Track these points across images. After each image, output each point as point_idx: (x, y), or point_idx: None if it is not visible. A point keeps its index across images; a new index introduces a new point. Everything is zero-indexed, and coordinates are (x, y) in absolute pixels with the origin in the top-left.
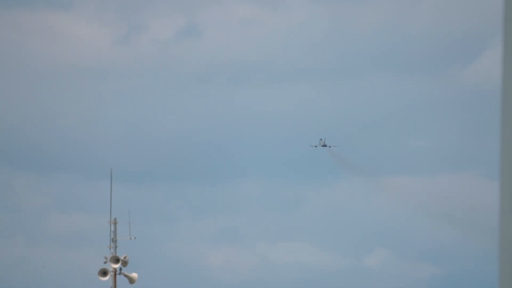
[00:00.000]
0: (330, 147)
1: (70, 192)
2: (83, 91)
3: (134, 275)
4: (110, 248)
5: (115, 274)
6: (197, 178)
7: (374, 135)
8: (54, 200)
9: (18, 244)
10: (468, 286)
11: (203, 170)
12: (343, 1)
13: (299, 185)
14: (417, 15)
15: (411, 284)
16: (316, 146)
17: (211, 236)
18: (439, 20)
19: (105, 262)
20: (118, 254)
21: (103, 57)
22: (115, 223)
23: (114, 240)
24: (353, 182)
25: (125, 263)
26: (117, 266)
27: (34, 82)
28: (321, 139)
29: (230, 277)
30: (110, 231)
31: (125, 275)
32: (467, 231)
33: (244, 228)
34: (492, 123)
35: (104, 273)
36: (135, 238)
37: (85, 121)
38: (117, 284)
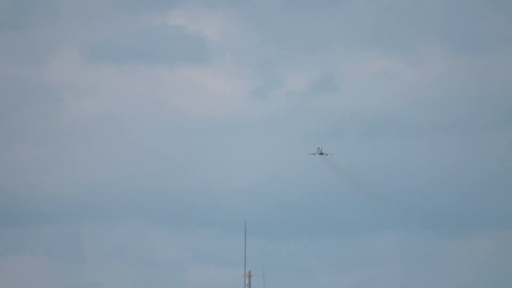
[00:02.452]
0: (326, 155)
1: (205, 245)
2: (219, 144)
3: None
4: None
5: None
6: (332, 231)
7: None
8: (190, 253)
9: None
10: None
11: (337, 223)
12: (479, 54)
13: (436, 240)
14: None
15: None
16: (314, 154)
17: None
18: None
19: None
20: None
21: (239, 110)
22: (249, 276)
23: None
24: (490, 236)
25: None
26: None
27: (172, 134)
28: (318, 147)
29: None
30: (245, 284)
31: None
32: None
33: (380, 282)
34: None
35: None
36: None
37: (220, 173)
38: None
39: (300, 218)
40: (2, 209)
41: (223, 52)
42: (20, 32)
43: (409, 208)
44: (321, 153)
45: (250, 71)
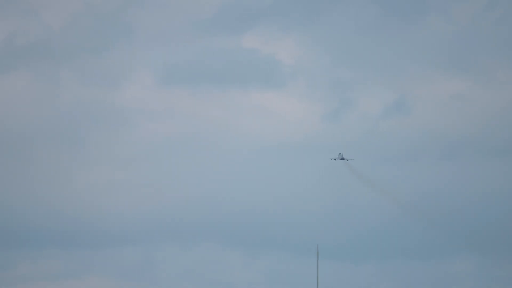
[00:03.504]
0: (347, 160)
1: (277, 268)
2: (292, 167)
3: None
4: None
5: None
6: (403, 255)
7: None
8: (262, 276)
9: None
10: None
11: (408, 247)
12: None
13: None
14: None
15: None
16: (335, 159)
17: None
18: None
19: None
20: None
21: (312, 133)
22: None
23: None
24: None
25: None
26: None
27: (244, 157)
28: (339, 153)
29: None
30: None
31: None
32: None
33: None
34: None
35: None
36: None
37: (293, 196)
38: None
39: (372, 242)
40: (76, 231)
41: (296, 75)
42: (95, 56)
43: (485, 230)
44: (342, 158)
45: (323, 94)
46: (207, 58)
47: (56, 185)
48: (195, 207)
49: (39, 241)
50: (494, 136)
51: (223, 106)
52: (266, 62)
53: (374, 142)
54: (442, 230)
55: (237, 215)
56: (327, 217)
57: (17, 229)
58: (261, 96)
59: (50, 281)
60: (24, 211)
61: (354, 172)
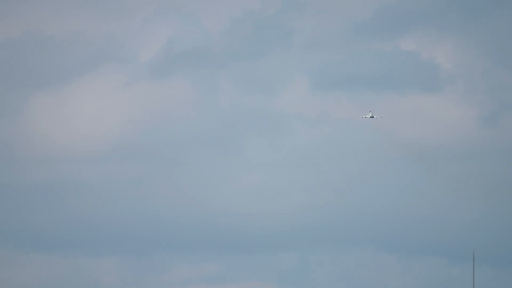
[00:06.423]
0: (377, 118)
1: (433, 274)
2: (446, 172)
3: None
4: None
5: None
6: None
7: None
8: (418, 282)
9: None
10: None
11: None
12: None
13: None
14: None
15: None
16: (365, 117)
17: None
18: None
19: None
20: None
21: (468, 138)
22: None
23: None
24: None
25: None
26: None
27: (399, 162)
28: (370, 111)
29: None
30: None
31: None
32: None
33: None
34: None
35: None
36: None
37: (446, 201)
38: None
39: None
40: (234, 235)
41: (454, 79)
42: (252, 61)
43: None
44: (372, 116)
45: (481, 98)
46: (364, 61)
47: (212, 189)
48: (351, 211)
49: (196, 245)
50: None
51: (380, 110)
52: (425, 66)
53: None
54: None
55: (393, 220)
56: (483, 222)
57: (175, 233)
58: (418, 100)
59: (207, 285)
60: (181, 215)
61: None
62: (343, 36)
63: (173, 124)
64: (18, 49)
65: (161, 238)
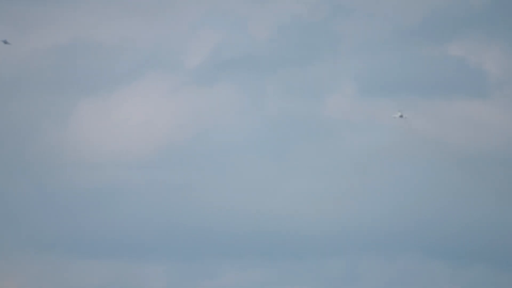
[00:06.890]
0: (406, 117)
1: (478, 282)
2: (493, 178)
3: None
4: None
5: None
6: None
7: None
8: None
9: None
10: None
11: None
12: None
13: None
14: None
15: None
16: (395, 117)
17: None
18: None
19: None
20: None
21: None
22: None
23: None
24: None
25: None
26: None
27: (443, 169)
28: (399, 110)
29: None
30: None
31: None
32: None
33: None
34: None
35: None
36: None
37: (492, 207)
38: None
39: None
40: (279, 240)
41: (503, 86)
42: (299, 67)
43: None
44: (401, 116)
45: None
46: (411, 67)
47: (260, 195)
48: (400, 216)
49: (244, 251)
50: None
51: (426, 116)
52: (473, 72)
53: None
54: None
55: (442, 226)
56: None
57: (223, 238)
58: (466, 106)
59: None
60: (229, 221)
61: None
62: (391, 42)
63: (221, 130)
64: (66, 55)
65: (209, 244)
